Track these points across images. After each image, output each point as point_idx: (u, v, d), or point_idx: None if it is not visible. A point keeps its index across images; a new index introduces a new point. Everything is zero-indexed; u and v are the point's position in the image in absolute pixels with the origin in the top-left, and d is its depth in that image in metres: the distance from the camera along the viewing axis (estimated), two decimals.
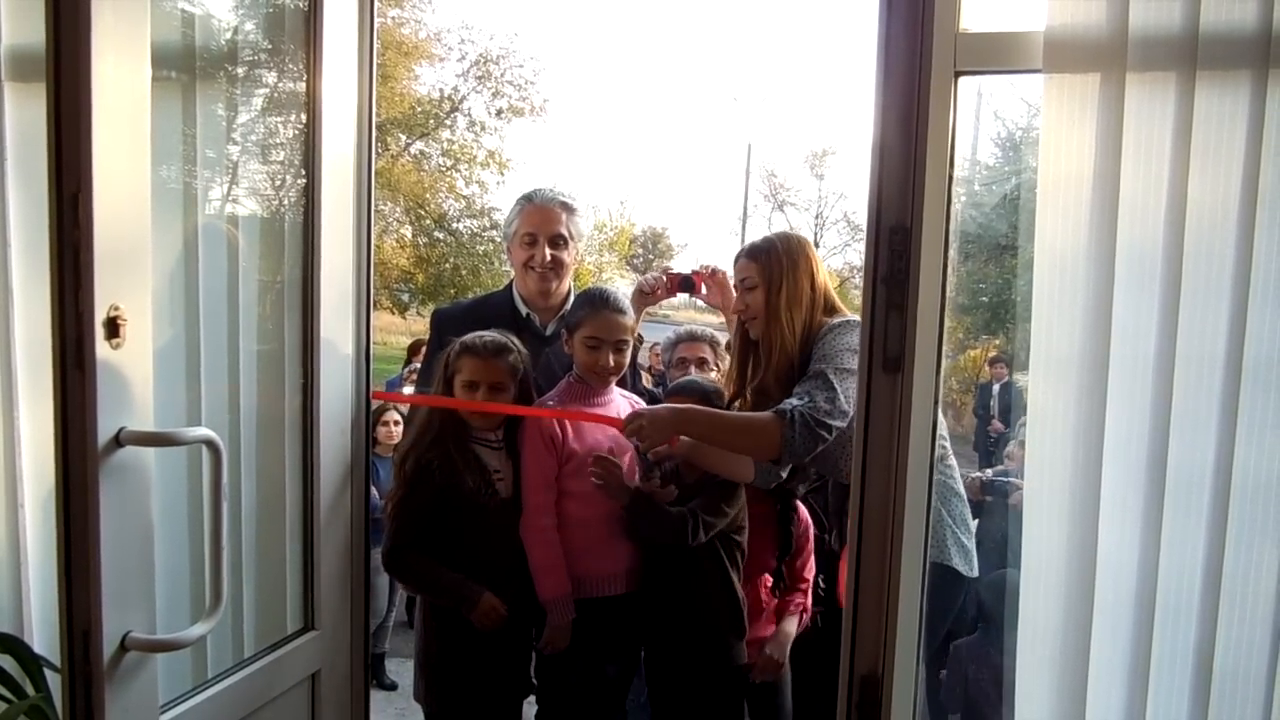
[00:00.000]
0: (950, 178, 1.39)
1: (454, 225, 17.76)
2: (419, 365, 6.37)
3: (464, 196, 17.81)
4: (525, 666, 2.18)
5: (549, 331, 2.40)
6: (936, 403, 1.42)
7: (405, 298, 18.22)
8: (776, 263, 2.15)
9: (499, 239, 16.66)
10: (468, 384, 2.09)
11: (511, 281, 2.49)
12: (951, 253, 1.44)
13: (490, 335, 2.14)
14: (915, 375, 1.35)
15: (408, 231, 17.63)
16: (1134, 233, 1.30)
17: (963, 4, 1.37)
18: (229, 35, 1.88)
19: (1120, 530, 1.34)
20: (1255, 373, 1.28)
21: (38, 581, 1.82)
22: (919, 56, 1.33)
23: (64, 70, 1.29)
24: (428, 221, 17.50)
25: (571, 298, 2.39)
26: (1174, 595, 1.33)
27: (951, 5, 1.35)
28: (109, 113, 1.31)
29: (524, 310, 2.41)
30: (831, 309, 2.19)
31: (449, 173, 17.84)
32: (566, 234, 2.36)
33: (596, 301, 2.15)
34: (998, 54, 1.40)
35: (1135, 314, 1.31)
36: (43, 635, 1.81)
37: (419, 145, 17.61)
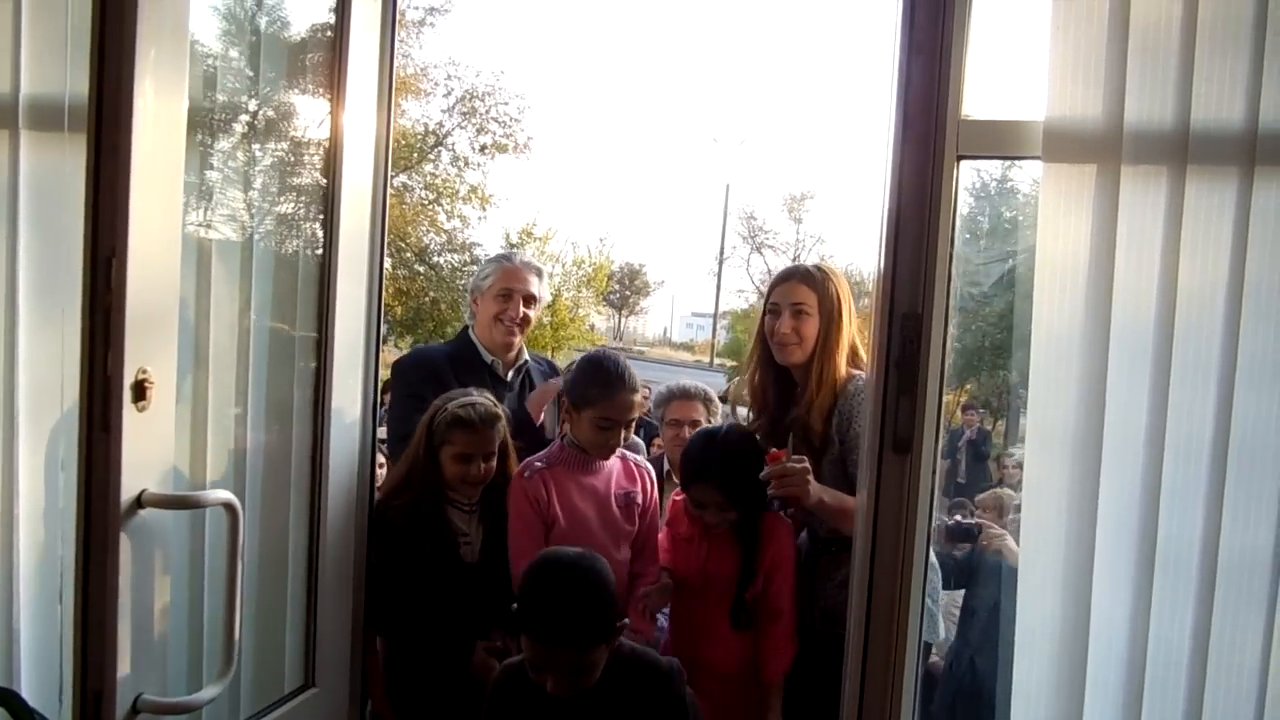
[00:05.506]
0: (950, 258, 1.45)
1: (434, 259, 17.74)
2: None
3: (445, 230, 17.83)
4: None
5: (508, 378, 2.58)
6: (934, 474, 1.46)
7: (383, 330, 18.09)
8: (835, 294, 2.05)
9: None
10: (461, 456, 2.03)
11: (467, 330, 2.67)
12: (951, 328, 1.49)
13: (482, 403, 2.09)
14: (922, 453, 1.39)
15: (388, 264, 17.57)
16: (1127, 316, 1.35)
17: (965, 91, 1.44)
18: (248, 82, 1.90)
19: (1112, 601, 1.38)
20: (1241, 451, 1.33)
21: (29, 632, 1.79)
22: (933, 144, 1.37)
23: (104, 134, 1.32)
24: (408, 254, 17.46)
25: (525, 352, 2.61)
26: (1163, 665, 1.37)
27: (954, 92, 1.41)
28: (145, 178, 1.33)
29: (488, 358, 2.57)
30: (855, 354, 2.08)
31: (431, 206, 17.85)
32: (536, 294, 2.60)
33: (613, 381, 1.98)
34: (998, 140, 1.46)
35: (1128, 393, 1.36)
36: (32, 686, 1.77)
37: (402, 178, 17.60)
